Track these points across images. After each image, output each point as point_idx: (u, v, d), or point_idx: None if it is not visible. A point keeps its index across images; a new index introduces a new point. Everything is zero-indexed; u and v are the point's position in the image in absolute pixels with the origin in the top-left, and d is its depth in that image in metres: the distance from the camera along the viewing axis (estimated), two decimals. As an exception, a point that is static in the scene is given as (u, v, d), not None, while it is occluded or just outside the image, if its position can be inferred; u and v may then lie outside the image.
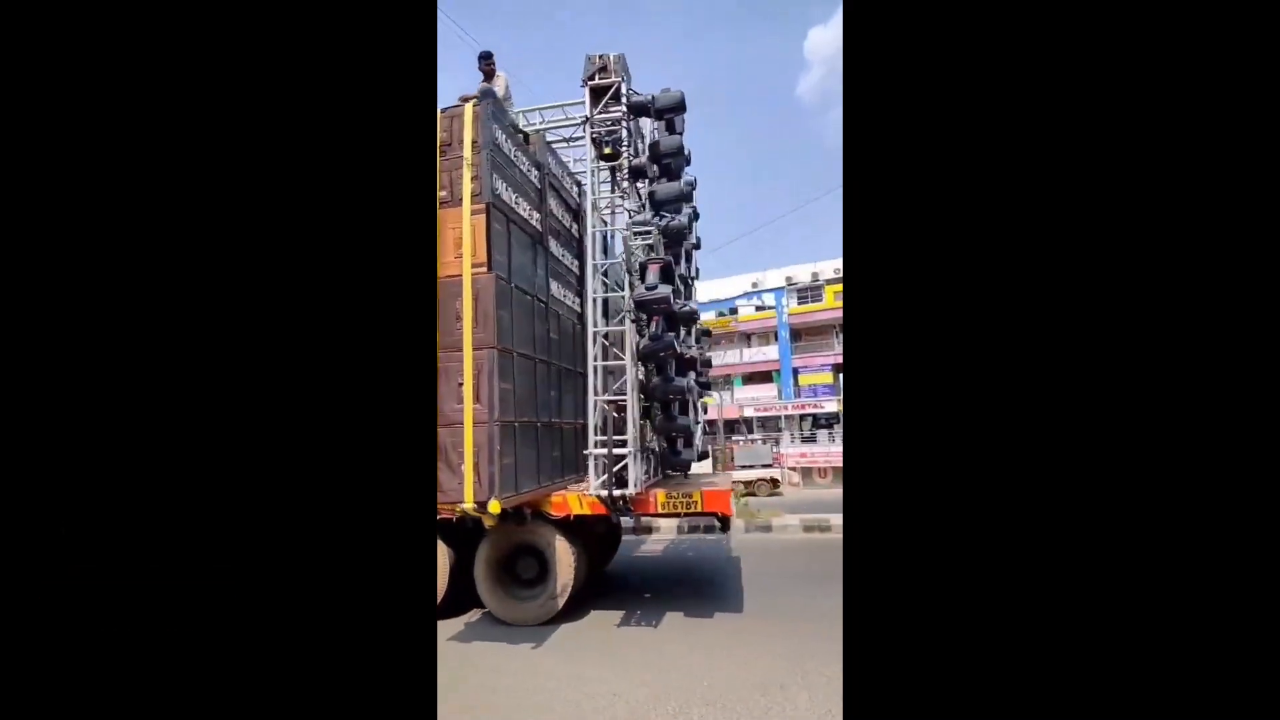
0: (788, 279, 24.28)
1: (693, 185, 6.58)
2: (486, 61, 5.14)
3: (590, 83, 4.80)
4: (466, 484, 4.04)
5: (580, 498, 4.60)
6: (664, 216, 4.76)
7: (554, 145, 5.94)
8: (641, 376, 4.82)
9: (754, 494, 12.42)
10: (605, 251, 4.72)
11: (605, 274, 4.79)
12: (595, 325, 4.56)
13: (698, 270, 7.15)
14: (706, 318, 29.44)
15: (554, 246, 5.46)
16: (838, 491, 12.41)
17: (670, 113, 5.13)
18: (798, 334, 23.99)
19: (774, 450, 16.27)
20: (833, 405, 20.96)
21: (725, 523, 5.35)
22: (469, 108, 4.36)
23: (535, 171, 5.29)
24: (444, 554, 4.93)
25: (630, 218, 4.54)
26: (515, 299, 4.53)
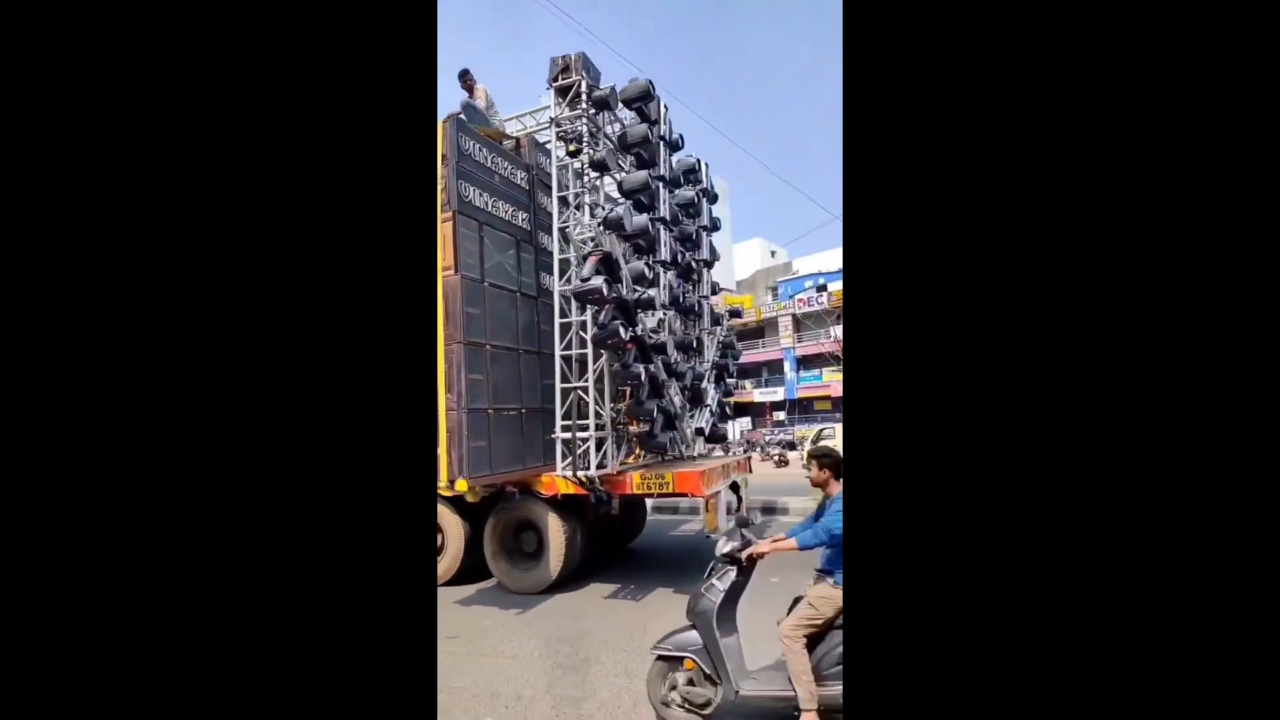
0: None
1: (694, 170, 6.60)
2: (465, 79, 5.54)
3: (554, 84, 5.02)
4: (440, 465, 4.53)
5: (565, 479, 4.94)
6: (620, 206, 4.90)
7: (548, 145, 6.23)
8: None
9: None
10: (569, 244, 4.94)
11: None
12: (560, 316, 4.83)
13: (713, 251, 7.14)
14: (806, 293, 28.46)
15: (546, 241, 5.78)
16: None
17: (637, 102, 5.21)
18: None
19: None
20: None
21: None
22: (446, 123, 4.79)
23: (522, 173, 5.62)
24: (460, 527, 5.52)
25: (591, 212, 4.72)
26: (489, 296, 4.93)
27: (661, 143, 5.59)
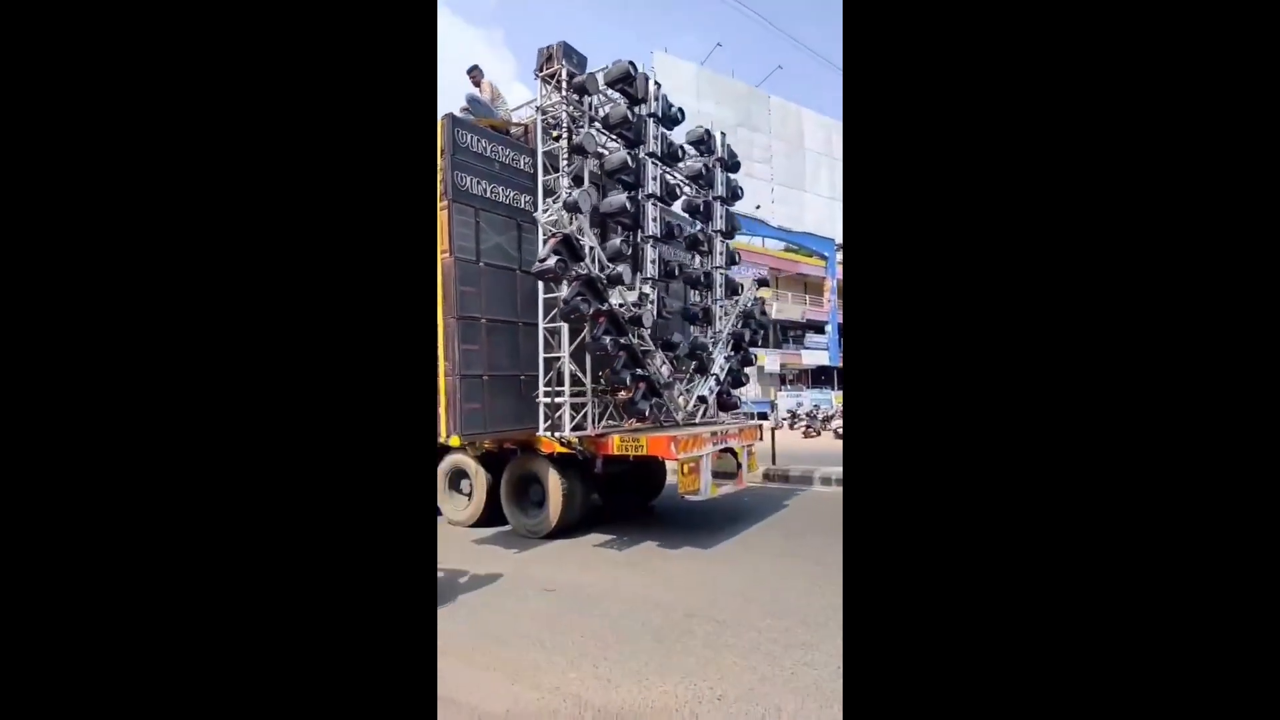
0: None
1: (704, 140, 6.68)
2: (472, 74, 6.05)
3: (540, 74, 5.39)
4: (441, 423, 5.28)
5: (547, 438, 5.51)
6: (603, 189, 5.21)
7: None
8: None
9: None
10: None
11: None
12: (545, 293, 5.31)
13: (729, 220, 7.19)
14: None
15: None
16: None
17: (619, 84, 5.44)
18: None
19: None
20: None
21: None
22: (443, 122, 5.37)
23: (526, 158, 6.08)
24: (484, 478, 6.32)
25: (569, 193, 5.09)
26: (486, 274, 5.51)
27: (651, 120, 5.77)
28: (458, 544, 5.69)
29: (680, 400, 6.07)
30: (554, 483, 5.70)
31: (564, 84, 5.24)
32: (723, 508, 7.10)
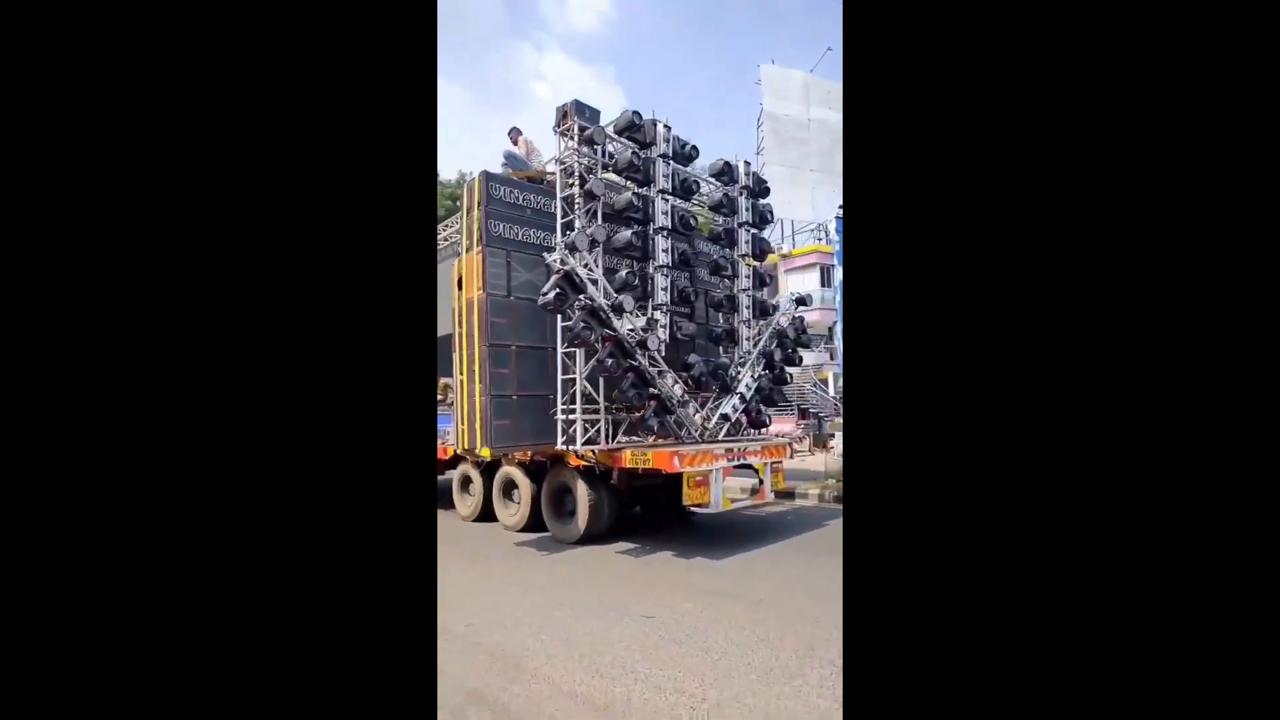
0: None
1: (725, 171, 7.08)
2: (511, 133, 6.97)
3: (557, 129, 6.14)
4: (476, 437, 6.09)
5: (564, 450, 6.11)
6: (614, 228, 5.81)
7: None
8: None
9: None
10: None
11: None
12: (562, 321, 5.98)
13: (756, 244, 7.46)
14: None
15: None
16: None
17: (626, 132, 6.04)
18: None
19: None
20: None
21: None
22: (476, 180, 6.30)
23: (554, 203, 6.85)
24: (529, 488, 7.07)
25: (585, 232, 5.74)
26: (516, 307, 6.29)
27: (660, 160, 6.29)
28: (504, 545, 6.45)
29: (697, 418, 6.40)
30: (582, 493, 6.27)
31: (576, 137, 5.94)
32: (742, 520, 7.25)
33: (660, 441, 6.40)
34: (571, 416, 5.82)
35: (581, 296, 5.34)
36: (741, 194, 7.29)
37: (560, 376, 6.01)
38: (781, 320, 7.64)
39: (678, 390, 6.18)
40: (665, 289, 6.24)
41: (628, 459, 5.92)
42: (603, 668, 3.28)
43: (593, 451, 5.91)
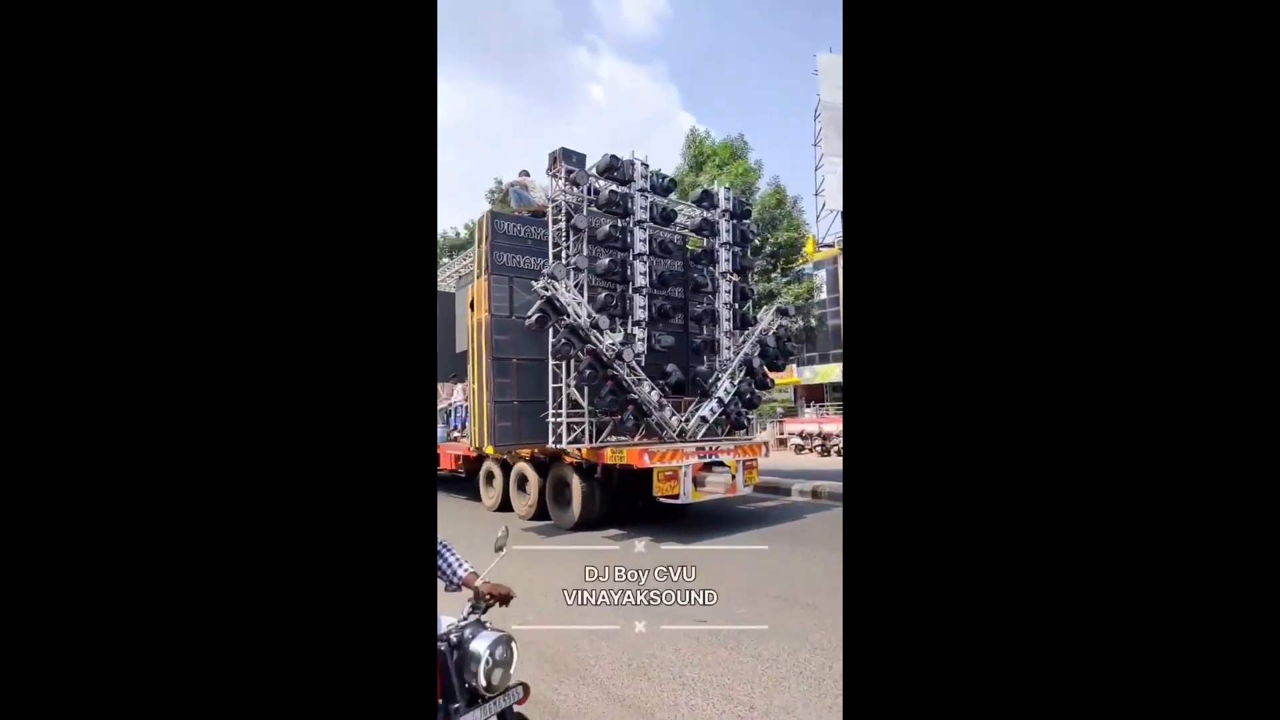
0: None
1: (705, 199, 7.92)
2: (520, 176, 8.11)
3: (549, 172, 7.17)
4: (483, 437, 7.20)
5: (554, 448, 7.11)
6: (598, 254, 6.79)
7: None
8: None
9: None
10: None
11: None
12: (552, 337, 7.00)
13: (737, 261, 8.23)
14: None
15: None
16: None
17: (607, 172, 7.01)
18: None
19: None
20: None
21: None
22: (483, 218, 7.44)
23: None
24: (537, 481, 8.15)
25: (573, 265, 6.75)
26: (517, 326, 7.35)
27: (639, 194, 7.22)
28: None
29: (673, 420, 7.26)
30: (576, 486, 7.27)
31: (563, 178, 6.95)
32: (725, 511, 7.97)
33: (641, 440, 7.30)
34: (559, 419, 6.82)
35: (564, 317, 6.33)
36: (723, 217, 8.09)
37: (551, 385, 7.03)
38: (762, 330, 8.36)
39: (654, 396, 7.06)
40: (644, 307, 7.14)
41: (608, 456, 6.86)
42: (650, 671, 3.28)
43: (579, 449, 6.89)
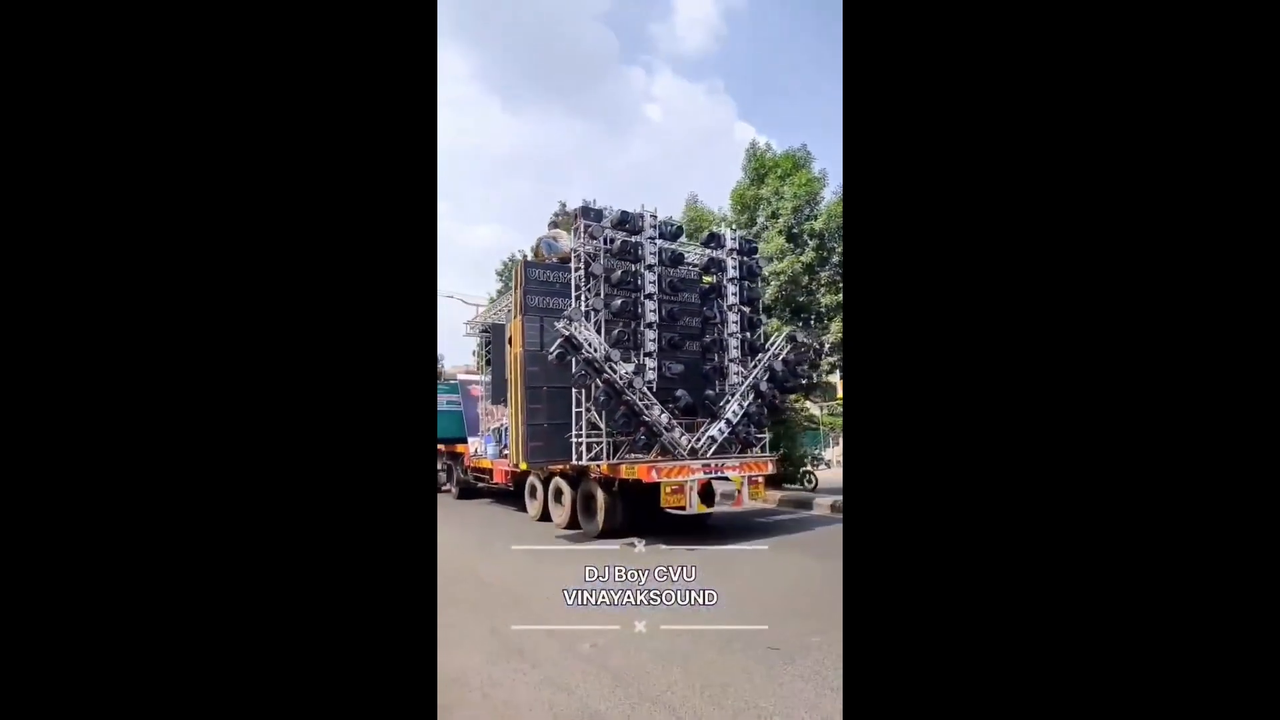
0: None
1: (713, 239, 8.87)
2: (551, 229, 9.35)
3: (571, 226, 8.34)
4: (518, 454, 8.37)
5: (576, 464, 8.16)
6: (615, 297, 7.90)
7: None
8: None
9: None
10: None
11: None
12: (574, 368, 8.11)
13: (745, 293, 9.08)
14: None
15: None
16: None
17: (619, 225, 8.11)
18: None
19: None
20: None
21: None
22: (518, 266, 8.71)
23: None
24: (570, 494, 9.23)
25: (590, 306, 7.86)
26: (544, 359, 8.50)
27: (648, 240, 8.26)
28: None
29: (683, 440, 8.16)
30: (600, 498, 8.30)
31: (582, 232, 8.11)
32: (742, 522, 8.69)
33: (653, 458, 8.23)
34: (580, 439, 7.90)
35: (581, 352, 7.44)
36: (729, 255, 8.99)
37: (574, 409, 8.13)
38: (772, 357, 9.13)
39: (663, 419, 8.00)
40: (654, 340, 8.15)
41: (623, 471, 7.84)
42: (723, 700, 3.14)
43: (598, 465, 7.93)
